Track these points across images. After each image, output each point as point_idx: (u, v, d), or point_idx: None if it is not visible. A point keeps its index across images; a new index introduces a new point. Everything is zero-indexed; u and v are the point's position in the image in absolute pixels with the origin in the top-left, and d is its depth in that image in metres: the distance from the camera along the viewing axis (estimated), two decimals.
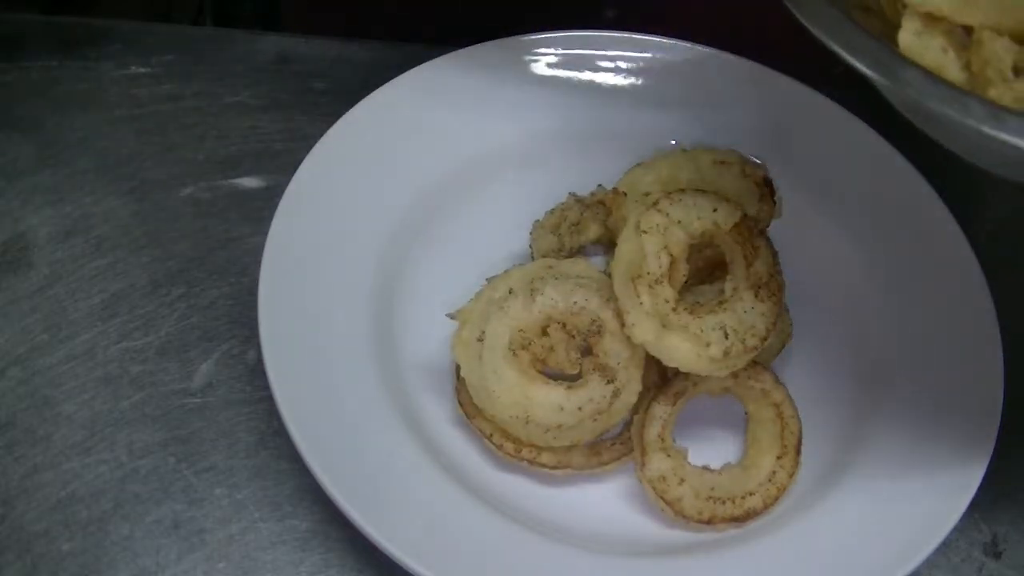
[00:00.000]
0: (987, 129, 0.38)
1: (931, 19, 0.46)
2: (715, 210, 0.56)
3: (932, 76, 0.40)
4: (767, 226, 0.61)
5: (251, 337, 0.62)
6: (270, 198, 0.65)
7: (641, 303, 0.53)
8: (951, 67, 0.45)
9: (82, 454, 0.58)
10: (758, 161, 0.63)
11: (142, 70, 0.75)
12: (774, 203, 0.61)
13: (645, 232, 0.55)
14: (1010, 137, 0.38)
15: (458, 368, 0.56)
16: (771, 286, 0.56)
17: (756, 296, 0.55)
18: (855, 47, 0.41)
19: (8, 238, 0.66)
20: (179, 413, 0.60)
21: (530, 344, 0.56)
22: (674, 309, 0.54)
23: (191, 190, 0.69)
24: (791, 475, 0.56)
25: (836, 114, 0.69)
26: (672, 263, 0.55)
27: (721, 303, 0.55)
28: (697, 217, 0.56)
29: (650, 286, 0.54)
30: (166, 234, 0.67)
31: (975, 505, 0.54)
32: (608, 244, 0.63)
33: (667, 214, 0.55)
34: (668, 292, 0.54)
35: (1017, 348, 0.60)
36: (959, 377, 0.59)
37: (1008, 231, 0.70)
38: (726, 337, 0.53)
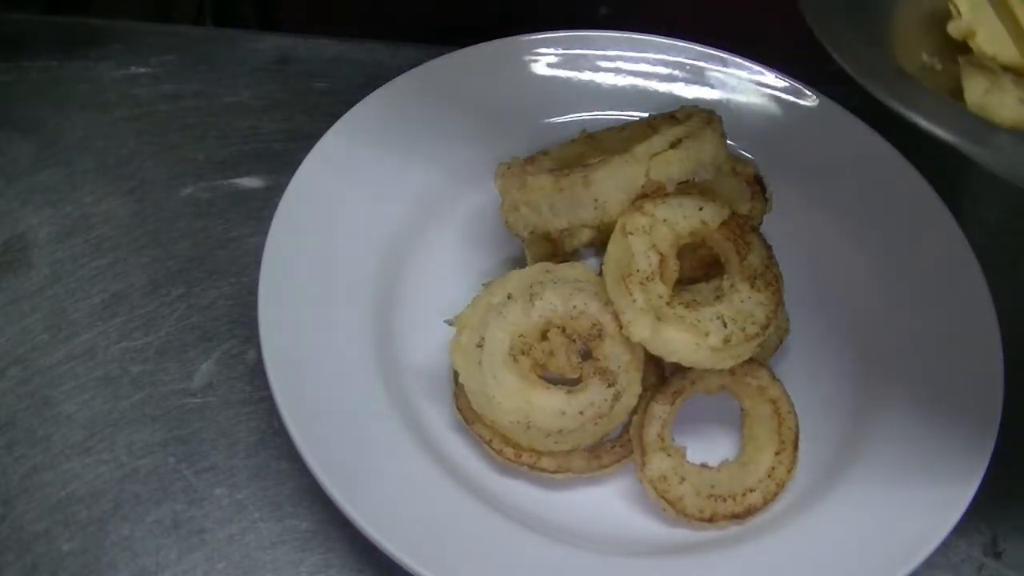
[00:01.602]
0: None
1: (991, 70, 0.46)
2: (701, 209, 0.56)
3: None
4: (760, 223, 0.61)
5: (251, 337, 0.62)
6: (270, 198, 0.65)
7: (634, 300, 0.54)
8: None
9: (82, 454, 0.58)
10: (749, 157, 0.63)
11: (142, 70, 0.75)
12: (766, 200, 0.61)
13: (631, 234, 0.55)
14: None
15: (456, 374, 0.56)
16: (767, 276, 0.56)
17: (752, 287, 0.55)
18: (942, 119, 0.40)
19: (8, 238, 0.66)
20: (179, 413, 0.60)
21: (530, 349, 0.56)
22: (668, 303, 0.54)
23: (191, 190, 0.69)
24: (790, 471, 0.56)
25: (836, 114, 0.69)
26: (662, 260, 0.55)
27: (718, 297, 0.55)
28: (683, 216, 0.56)
29: (641, 283, 0.54)
30: (166, 234, 0.67)
31: (975, 505, 0.54)
32: (600, 247, 0.63)
33: (652, 215, 0.56)
34: (661, 288, 0.54)
35: (1017, 348, 0.60)
36: (959, 377, 0.59)
37: (1008, 231, 0.70)
38: (724, 326, 0.53)
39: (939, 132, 0.40)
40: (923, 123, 0.40)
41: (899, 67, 0.44)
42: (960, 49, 0.50)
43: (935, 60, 0.49)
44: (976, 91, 0.47)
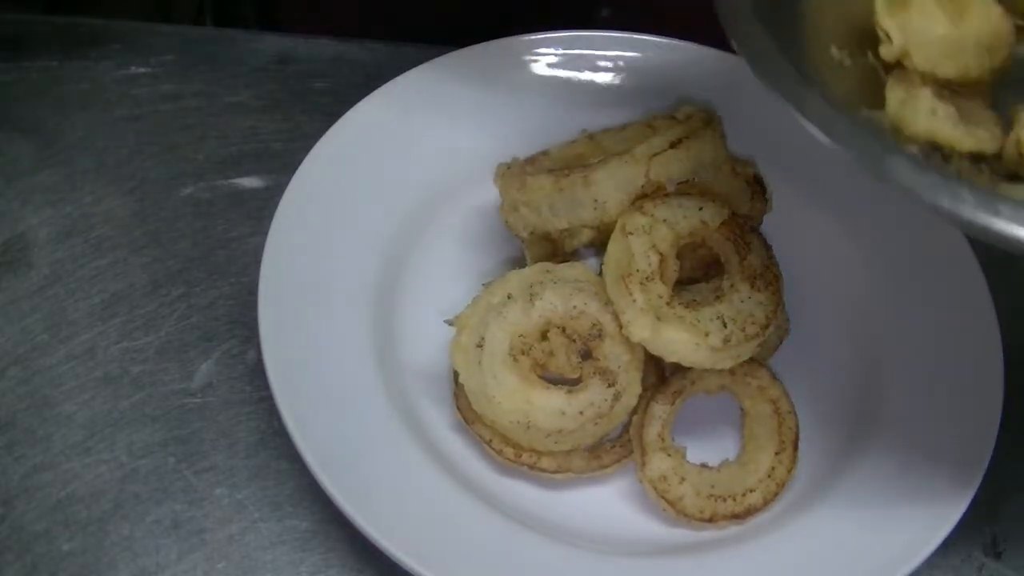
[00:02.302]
0: (980, 218, 0.37)
1: (911, 81, 0.46)
2: (701, 209, 0.56)
3: (919, 165, 0.39)
4: (760, 223, 0.61)
5: (251, 337, 0.62)
6: (270, 198, 0.65)
7: (634, 300, 0.54)
8: (944, 126, 0.45)
9: (82, 454, 0.58)
10: (749, 157, 0.63)
11: (142, 70, 0.75)
12: (766, 200, 0.61)
13: (631, 234, 0.55)
14: (1005, 225, 0.37)
15: (456, 374, 0.56)
16: (767, 276, 0.56)
17: (752, 287, 0.55)
18: (841, 135, 0.40)
19: (8, 238, 0.66)
20: (179, 413, 0.60)
21: (530, 349, 0.56)
22: (668, 303, 0.54)
23: (191, 190, 0.69)
24: (790, 471, 0.56)
25: None
26: (662, 260, 0.55)
27: (718, 297, 0.55)
28: (683, 216, 0.56)
29: (641, 283, 0.54)
30: (166, 234, 0.67)
31: (975, 505, 0.54)
32: (600, 247, 0.63)
33: (652, 215, 0.56)
34: (661, 288, 0.54)
35: (1017, 348, 0.60)
36: (959, 377, 0.59)
37: None
38: (724, 326, 0.54)
39: (838, 147, 0.40)
40: (821, 136, 0.40)
41: (804, 72, 0.44)
42: (870, 43, 0.51)
43: (844, 55, 0.50)
44: (893, 102, 0.47)
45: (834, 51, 0.49)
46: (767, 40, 0.43)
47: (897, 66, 0.50)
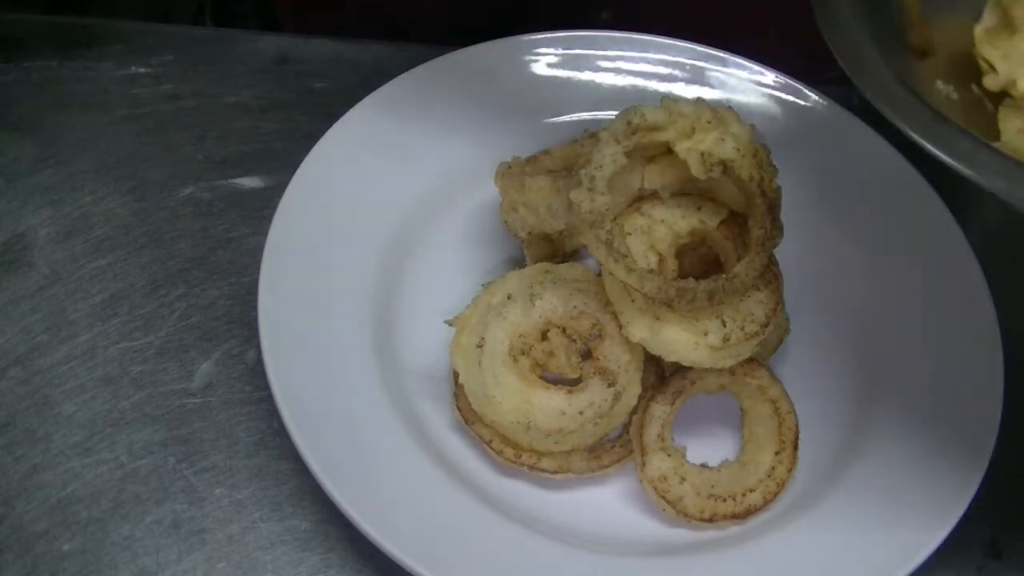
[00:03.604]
0: None
1: None
2: (699, 208, 0.56)
3: None
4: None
5: (251, 337, 0.62)
6: (270, 198, 0.65)
7: (633, 300, 0.54)
8: None
9: (82, 454, 0.58)
10: None
11: (142, 70, 0.75)
12: None
13: (629, 234, 0.55)
14: None
15: (456, 374, 0.56)
16: (767, 275, 0.56)
17: (752, 286, 0.55)
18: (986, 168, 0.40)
19: (8, 238, 0.66)
20: (179, 413, 0.60)
21: (530, 349, 0.56)
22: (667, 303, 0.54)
23: (191, 190, 0.69)
24: (790, 470, 0.57)
25: (836, 114, 0.69)
26: (660, 261, 0.55)
27: None
28: (681, 216, 0.56)
29: None
30: (166, 234, 0.67)
31: (975, 505, 0.54)
32: None
33: (649, 216, 0.56)
34: None
35: (1017, 348, 0.60)
36: (959, 377, 0.59)
37: (1008, 231, 0.70)
38: (724, 325, 0.54)
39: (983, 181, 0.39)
40: (976, 177, 0.40)
41: (935, 108, 0.43)
42: (974, 76, 0.50)
43: (950, 88, 0.49)
44: (1010, 132, 0.47)
45: (940, 85, 0.49)
46: (895, 82, 0.42)
47: (1005, 96, 0.49)
